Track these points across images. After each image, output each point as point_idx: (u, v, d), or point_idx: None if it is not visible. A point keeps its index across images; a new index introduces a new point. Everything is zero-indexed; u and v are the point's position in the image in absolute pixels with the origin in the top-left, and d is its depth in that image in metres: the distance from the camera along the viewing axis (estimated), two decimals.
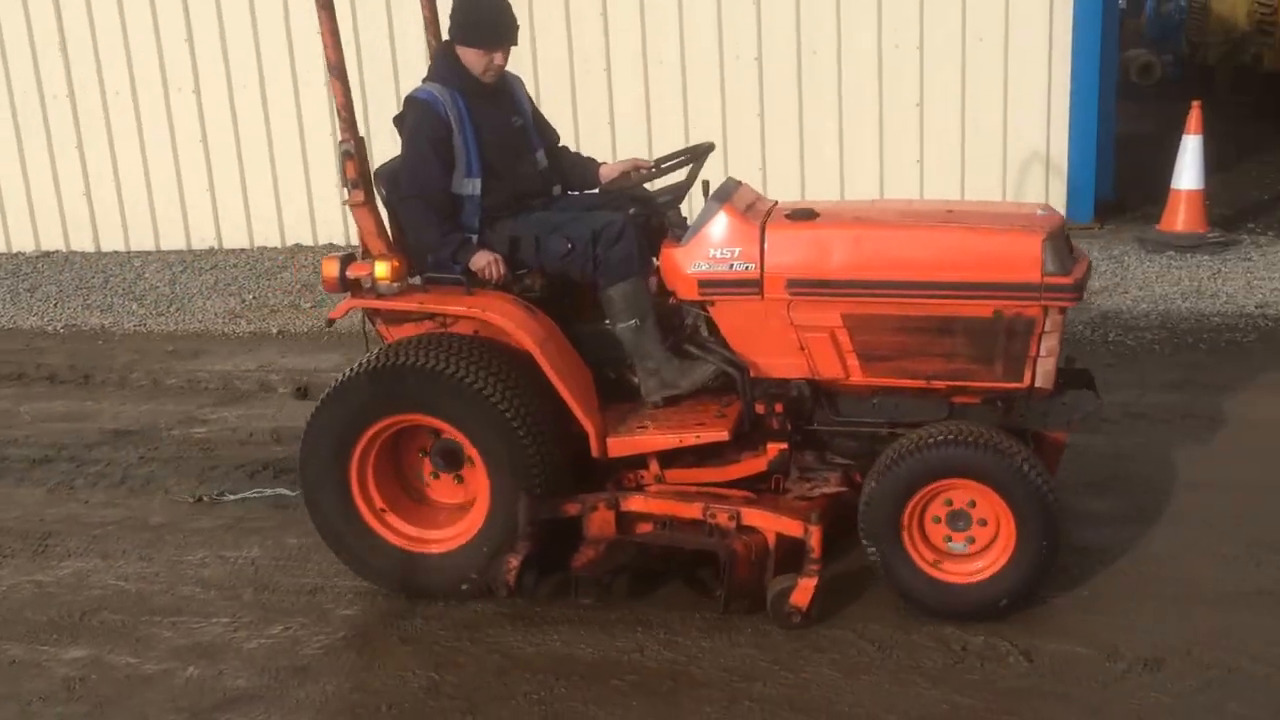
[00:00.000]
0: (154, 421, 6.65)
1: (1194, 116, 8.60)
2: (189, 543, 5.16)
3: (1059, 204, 9.13)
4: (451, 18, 4.61)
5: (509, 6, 4.62)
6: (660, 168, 4.76)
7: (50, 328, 8.62)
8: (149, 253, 10.33)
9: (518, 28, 4.64)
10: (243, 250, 10.27)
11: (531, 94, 5.01)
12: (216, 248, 10.36)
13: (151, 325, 8.53)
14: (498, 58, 4.58)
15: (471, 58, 4.57)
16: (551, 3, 9.41)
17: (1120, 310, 7.50)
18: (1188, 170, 8.66)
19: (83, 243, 10.51)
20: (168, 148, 10.19)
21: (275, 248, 10.25)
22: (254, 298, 9.00)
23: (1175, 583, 4.41)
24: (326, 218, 10.11)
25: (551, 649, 4.18)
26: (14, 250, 10.61)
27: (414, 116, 4.54)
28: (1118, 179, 9.78)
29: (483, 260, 4.47)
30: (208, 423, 6.59)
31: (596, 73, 9.55)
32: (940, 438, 4.06)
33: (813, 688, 3.88)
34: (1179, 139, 8.71)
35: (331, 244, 10.15)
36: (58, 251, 10.53)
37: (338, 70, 4.32)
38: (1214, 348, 6.88)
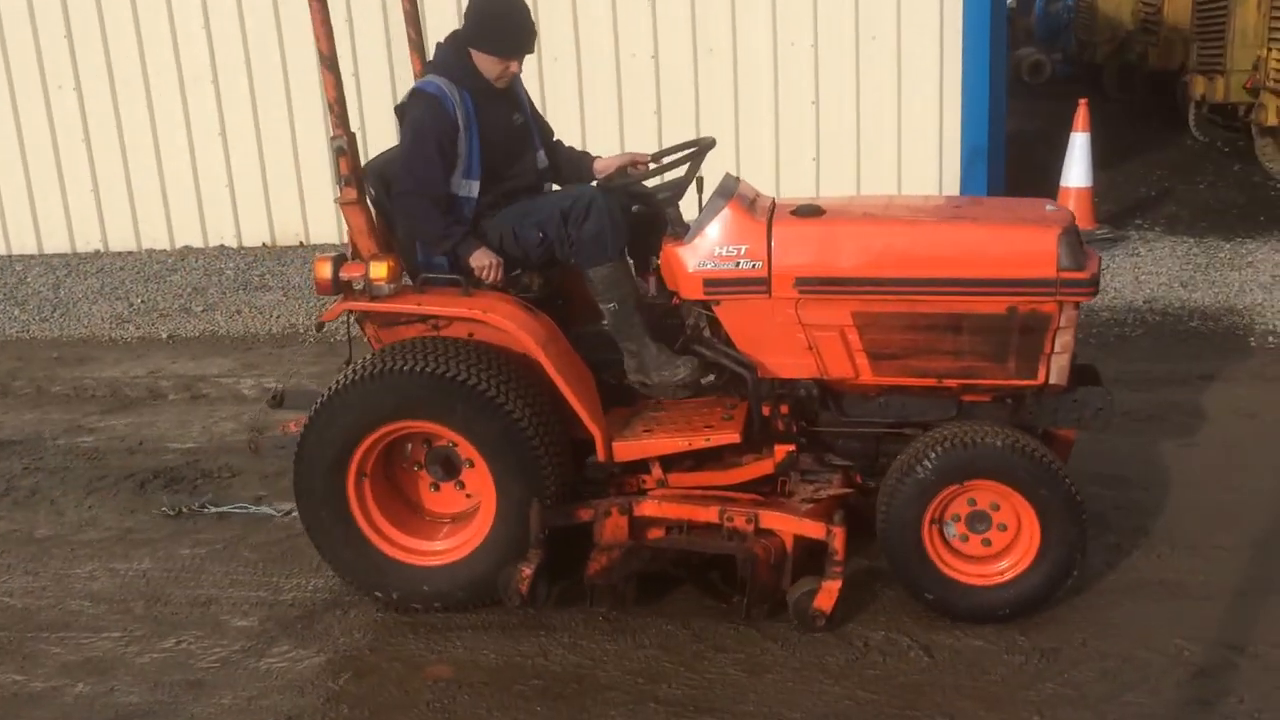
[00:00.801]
0: (38, 430, 6.47)
1: (1081, 114, 8.83)
2: (76, 555, 5.03)
3: None
4: (468, 18, 4.48)
5: (529, 14, 4.51)
6: (659, 163, 4.70)
7: None
8: (31, 256, 10.04)
9: (536, 35, 4.55)
10: (129, 253, 10.03)
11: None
12: (102, 250, 10.10)
13: (35, 331, 8.30)
14: (513, 66, 4.48)
15: (487, 63, 4.44)
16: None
17: None
18: (1076, 167, 8.90)
19: None
20: (48, 146, 9.91)
21: (164, 250, 10.03)
22: (142, 301, 8.79)
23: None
24: (216, 218, 9.92)
25: (454, 655, 4.15)
26: None
27: (420, 111, 4.38)
28: (1009, 176, 9.96)
29: (483, 259, 4.36)
30: (95, 431, 6.43)
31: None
32: (966, 438, 4.04)
33: (717, 688, 3.91)
34: (1068, 136, 8.94)
35: (223, 245, 9.96)
36: None
37: (329, 62, 4.16)
38: (1103, 342, 7.05)
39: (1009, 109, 10.25)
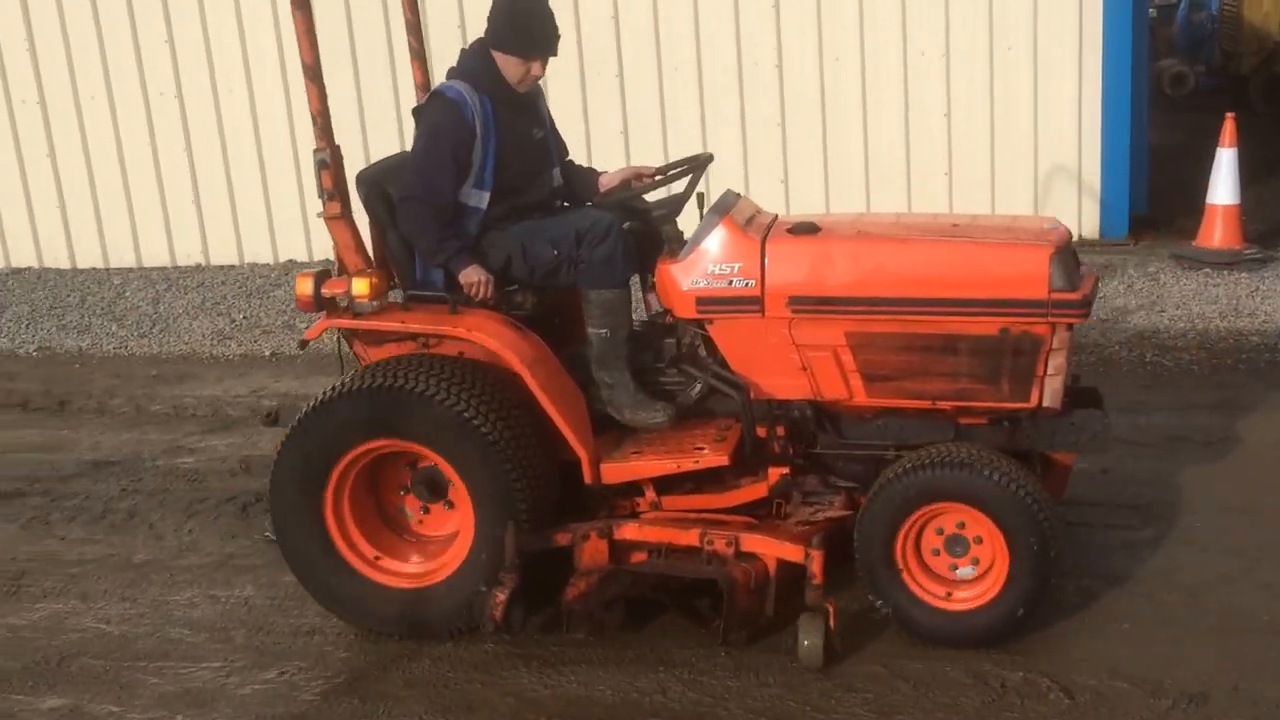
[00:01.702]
0: (136, 451, 6.53)
1: (1228, 129, 8.56)
2: (176, 581, 5.05)
3: (1091, 219, 9.11)
4: (490, 20, 4.52)
5: (552, 15, 4.53)
6: (663, 176, 4.72)
7: (22, 350, 8.51)
8: (129, 269, 10.22)
9: (559, 38, 4.55)
10: (231, 267, 10.17)
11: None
12: (203, 264, 10.25)
13: (133, 347, 8.41)
14: (535, 67, 4.50)
15: (509, 65, 4.47)
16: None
17: (1157, 329, 7.41)
18: (1223, 184, 8.61)
19: (57, 259, 10.40)
20: (148, 156, 10.08)
21: (267, 264, 10.13)
22: (244, 318, 8.88)
23: (1217, 613, 4.37)
24: (322, 232, 9.99)
25: (568, 690, 4.11)
26: None
27: (438, 115, 4.43)
28: (1151, 193, 9.74)
29: (472, 276, 4.40)
30: (195, 452, 6.47)
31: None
32: (927, 461, 4.07)
33: None
34: (1213, 152, 8.67)
35: (329, 259, 10.02)
36: (29, 269, 10.41)
37: (313, 73, 4.23)
38: (1254, 368, 6.81)
39: (1150, 122, 10.01)
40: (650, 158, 9.24)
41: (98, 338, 8.64)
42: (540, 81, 4.68)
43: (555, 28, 4.51)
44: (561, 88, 9.05)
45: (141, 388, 7.59)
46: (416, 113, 4.59)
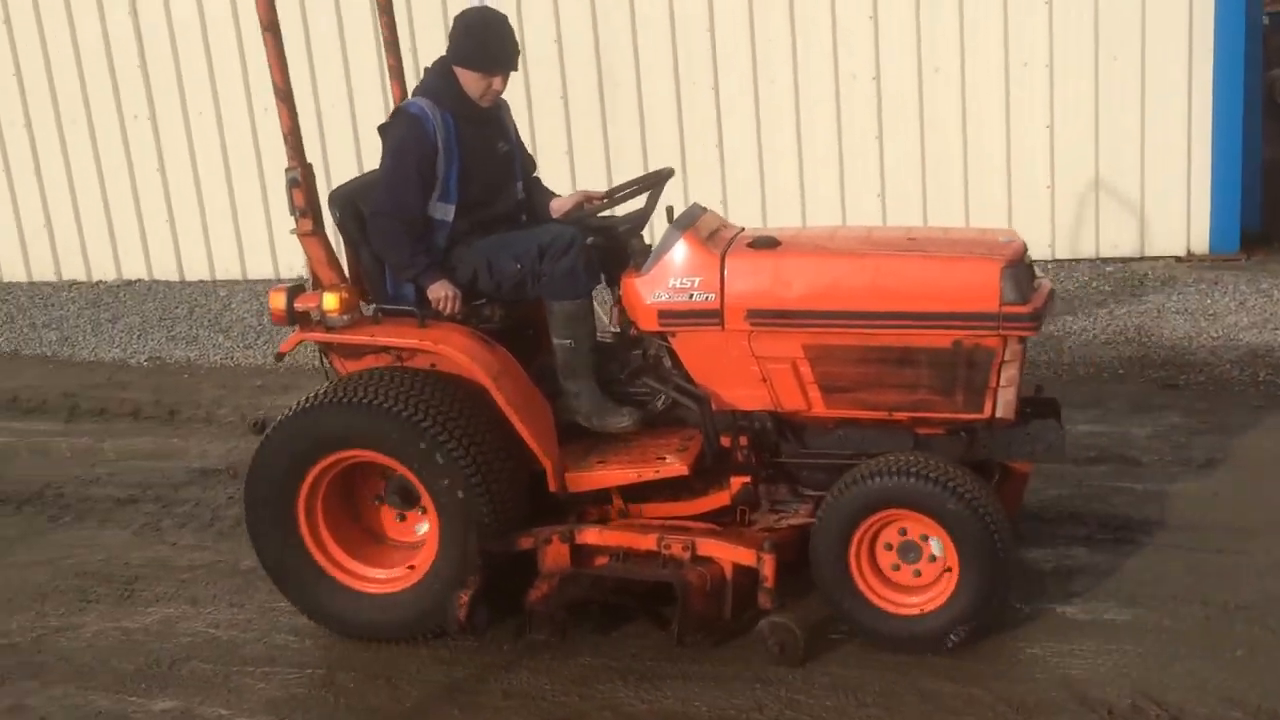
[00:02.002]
0: (243, 460, 6.69)
1: None
2: None
3: (1201, 234, 8.92)
4: (451, 38, 4.71)
5: (512, 31, 4.72)
6: (612, 198, 4.86)
7: (134, 360, 8.76)
8: (235, 281, 10.49)
9: (519, 53, 4.75)
10: None
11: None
12: (307, 276, 10.42)
13: (239, 358, 8.63)
14: (496, 82, 4.66)
15: (470, 80, 4.63)
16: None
17: (1271, 348, 7.24)
18: None
19: (166, 271, 10.69)
20: (253, 168, 10.29)
21: None
22: None
23: None
24: None
25: (665, 706, 4.15)
26: (95, 279, 10.81)
27: (402, 130, 4.59)
28: (1264, 207, 9.51)
29: (439, 291, 4.54)
30: None
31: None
32: (875, 470, 4.19)
33: None
34: None
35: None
36: (140, 280, 10.71)
37: (284, 95, 4.44)
38: None
39: (1262, 135, 9.75)
40: (747, 171, 9.34)
41: (205, 348, 8.87)
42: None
43: (515, 44, 4.70)
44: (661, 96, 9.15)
45: (247, 398, 7.77)
46: (381, 130, 4.73)
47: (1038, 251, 8.26)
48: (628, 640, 4.37)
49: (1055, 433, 4.39)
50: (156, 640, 4.83)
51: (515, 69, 4.71)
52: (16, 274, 10.97)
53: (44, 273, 10.91)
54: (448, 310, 4.57)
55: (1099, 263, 8.98)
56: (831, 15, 9.23)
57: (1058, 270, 8.79)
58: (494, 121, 4.84)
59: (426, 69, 4.81)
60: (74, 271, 10.86)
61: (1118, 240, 9.05)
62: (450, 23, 4.77)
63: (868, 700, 4.07)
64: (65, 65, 10.39)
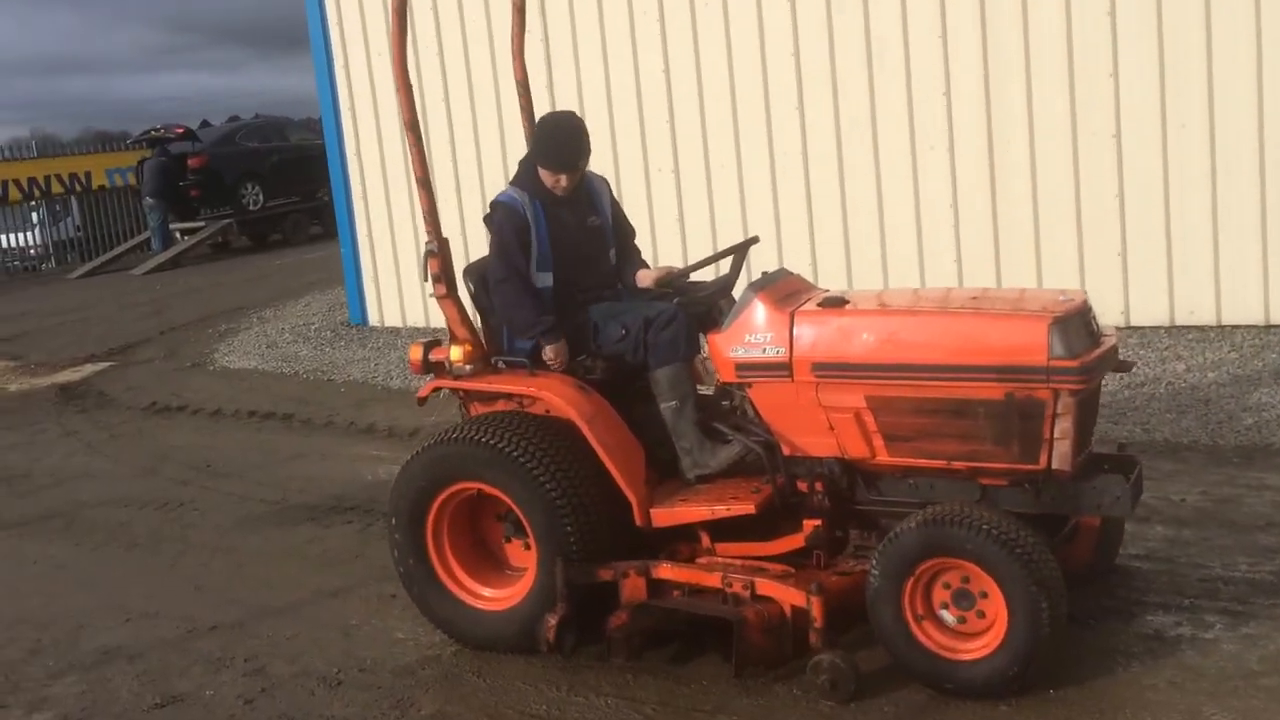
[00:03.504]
0: None
1: None
2: None
3: None
4: (532, 138, 5.26)
5: (581, 135, 5.10)
6: (689, 269, 5.20)
7: None
8: None
9: (587, 154, 5.11)
10: None
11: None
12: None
13: None
14: (563, 179, 5.06)
15: (544, 175, 5.08)
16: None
17: None
18: None
19: None
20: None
21: None
22: None
23: None
24: None
25: None
26: None
27: (500, 215, 5.07)
28: None
29: (553, 351, 4.95)
30: None
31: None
32: (926, 518, 4.24)
33: None
34: None
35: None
36: None
37: (423, 182, 4.93)
38: None
39: None
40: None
41: None
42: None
43: (581, 147, 5.07)
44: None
45: None
46: (485, 220, 5.21)
47: None
48: (1018, 716, 4.18)
49: (1120, 488, 4.34)
50: None
51: (579, 168, 5.10)
52: None
53: None
54: (558, 367, 4.95)
55: None
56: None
57: None
58: (583, 200, 5.23)
59: (519, 161, 5.24)
60: None
61: None
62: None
63: None
64: None
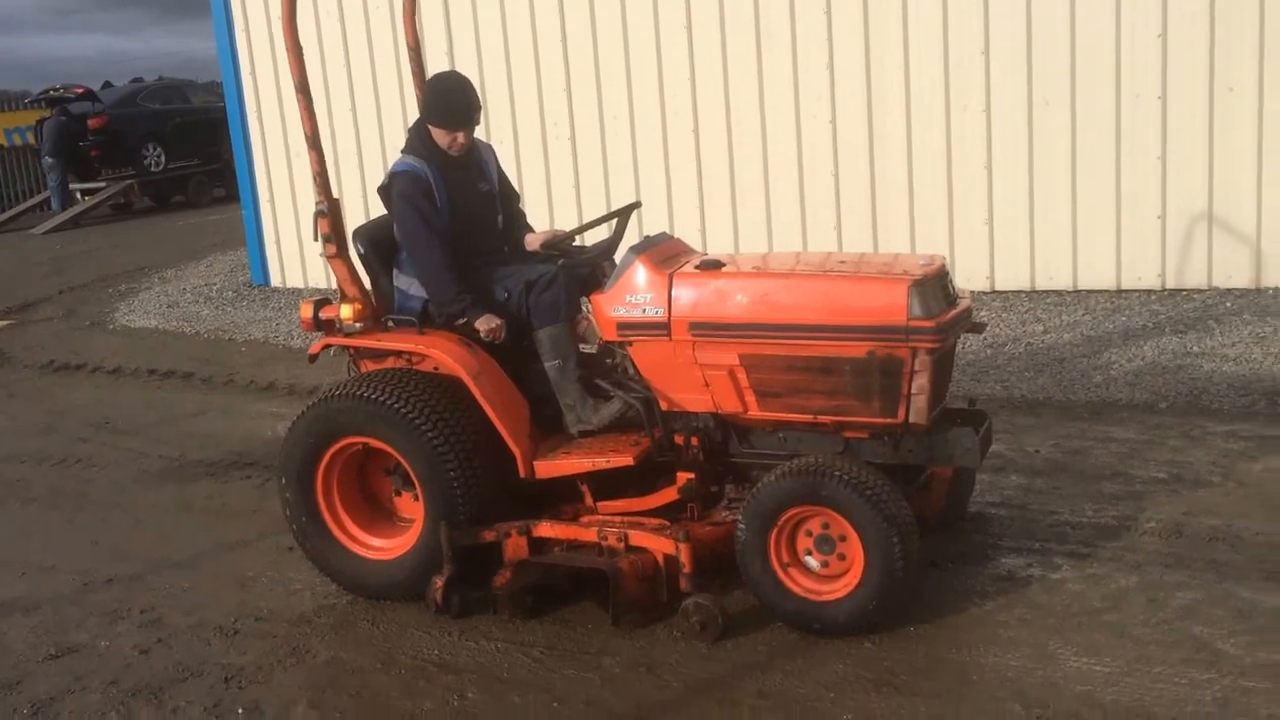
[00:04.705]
0: None
1: None
2: None
3: None
4: (423, 100, 5.16)
5: (470, 89, 5.01)
6: (574, 233, 5.23)
7: None
8: None
9: (479, 109, 5.03)
10: None
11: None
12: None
13: None
14: (460, 136, 4.98)
15: (439, 136, 4.98)
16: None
17: None
18: None
19: None
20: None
21: None
22: None
23: None
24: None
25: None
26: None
27: (403, 184, 4.92)
28: None
29: (486, 325, 4.84)
30: None
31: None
32: (784, 472, 4.37)
33: None
34: None
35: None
36: None
37: (313, 143, 4.89)
38: None
39: None
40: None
41: None
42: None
43: (473, 102, 4.99)
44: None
45: None
46: (383, 191, 5.05)
47: None
48: (883, 652, 4.27)
49: (971, 441, 4.49)
50: None
51: (476, 123, 5.02)
52: None
53: None
54: (496, 340, 4.85)
55: None
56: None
57: None
58: (474, 165, 5.15)
59: (409, 128, 5.14)
60: None
61: None
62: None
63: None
64: None
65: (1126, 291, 8.93)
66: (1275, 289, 8.56)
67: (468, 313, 4.86)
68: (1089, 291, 9.03)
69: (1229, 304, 8.40)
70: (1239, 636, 4.22)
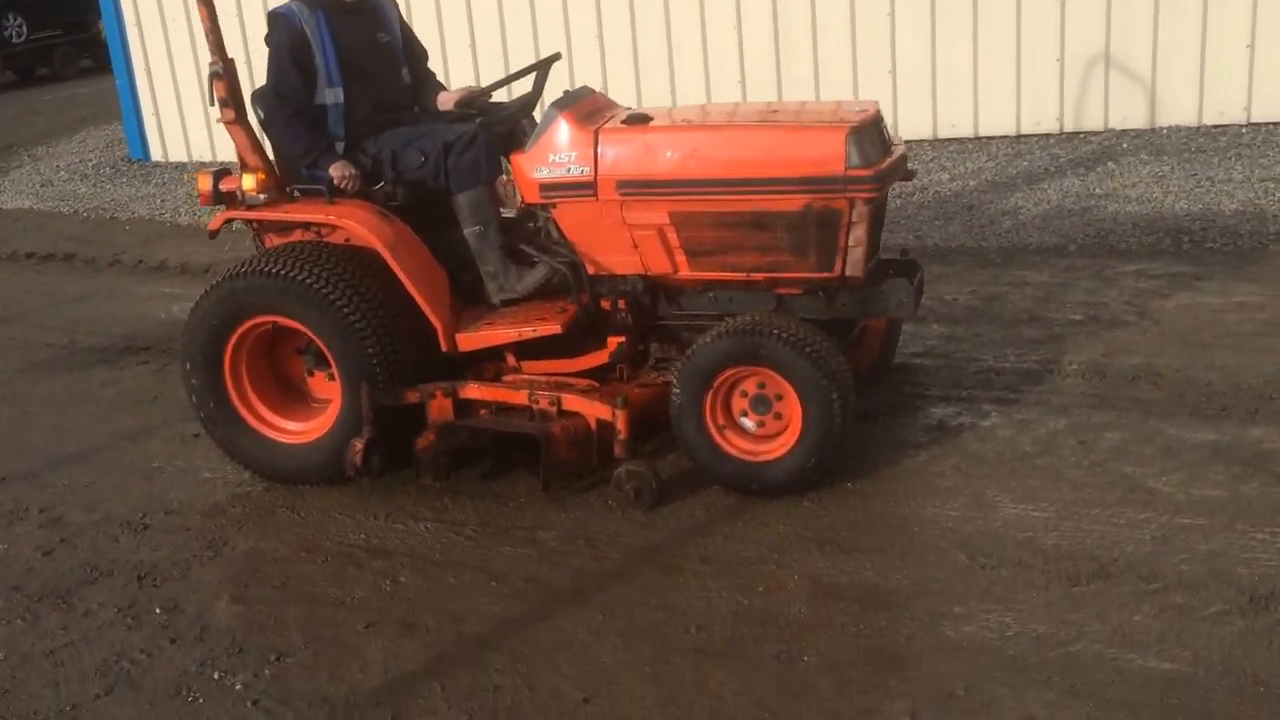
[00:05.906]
0: None
1: None
2: None
3: None
4: None
5: None
6: (490, 89, 4.83)
7: None
8: None
9: None
10: None
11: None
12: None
13: None
14: None
15: None
16: None
17: None
18: None
19: None
20: None
21: None
22: None
23: None
24: None
25: (863, 579, 3.71)
26: None
27: (274, 32, 4.55)
28: None
29: (340, 171, 4.48)
30: None
31: None
32: (718, 333, 4.13)
33: None
34: None
35: None
36: None
37: None
38: None
39: None
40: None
41: None
42: None
43: None
44: None
45: None
46: (267, 39, 4.61)
47: None
48: (822, 510, 4.09)
49: (905, 292, 4.30)
50: None
51: None
52: None
53: None
54: (350, 187, 4.50)
55: None
56: None
57: None
58: (370, 13, 4.71)
59: None
60: None
61: None
62: None
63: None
64: None
65: (1026, 136, 8.78)
66: (1169, 128, 8.48)
67: (319, 161, 4.49)
68: (990, 138, 8.86)
69: (1125, 145, 8.32)
70: (1171, 474, 4.15)
